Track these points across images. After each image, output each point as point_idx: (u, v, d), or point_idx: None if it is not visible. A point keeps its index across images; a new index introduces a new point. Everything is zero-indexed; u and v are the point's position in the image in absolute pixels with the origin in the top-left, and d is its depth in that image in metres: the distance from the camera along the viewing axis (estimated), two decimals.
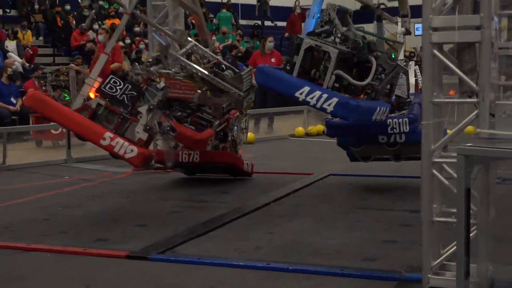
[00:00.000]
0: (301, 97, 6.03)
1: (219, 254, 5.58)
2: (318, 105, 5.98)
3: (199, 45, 8.41)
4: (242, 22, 26.36)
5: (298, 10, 22.85)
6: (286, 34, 23.70)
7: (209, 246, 5.86)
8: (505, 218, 4.86)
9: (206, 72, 7.87)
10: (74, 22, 21.70)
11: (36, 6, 22.02)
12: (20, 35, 19.72)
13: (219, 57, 8.53)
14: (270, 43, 14.58)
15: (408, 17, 8.46)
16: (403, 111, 7.40)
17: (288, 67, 6.31)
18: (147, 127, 6.94)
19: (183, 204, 7.71)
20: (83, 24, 20.89)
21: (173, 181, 9.34)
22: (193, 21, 14.98)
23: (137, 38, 21.17)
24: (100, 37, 15.49)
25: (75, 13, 22.32)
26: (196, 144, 7.94)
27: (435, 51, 4.35)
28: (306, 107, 15.95)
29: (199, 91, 7.90)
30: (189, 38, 8.54)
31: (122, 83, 7.15)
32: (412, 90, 8.29)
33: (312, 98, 5.96)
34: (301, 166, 10.40)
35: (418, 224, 6.33)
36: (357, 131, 7.57)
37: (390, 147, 7.86)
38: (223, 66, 8.11)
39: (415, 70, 8.25)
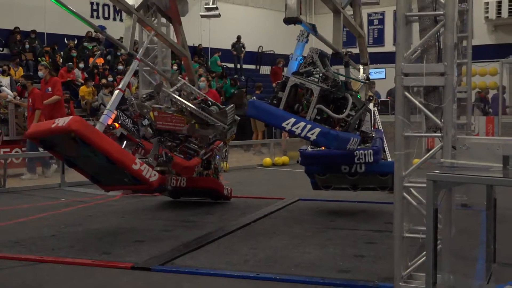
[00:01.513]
0: (288, 127, 6.26)
1: (213, 266, 5.73)
2: (303, 134, 6.22)
3: (188, 83, 8.62)
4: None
5: (280, 64, 23.49)
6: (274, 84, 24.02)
7: (203, 259, 6.00)
8: (462, 237, 5.15)
9: (195, 107, 8.08)
10: (61, 60, 21.70)
11: (27, 46, 21.97)
12: (12, 71, 19.66)
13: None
14: (202, 83, 14.49)
15: (368, 65, 8.86)
16: (367, 144, 7.70)
17: (275, 101, 6.56)
18: (157, 156, 7.17)
19: (173, 223, 7.82)
20: (70, 63, 20.92)
21: (161, 203, 9.45)
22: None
23: (119, 76, 21.25)
24: (40, 73, 14.26)
25: (62, 53, 22.32)
26: (185, 171, 8.11)
27: (406, 93, 4.65)
28: (273, 141, 16.35)
29: (188, 124, 8.11)
30: (179, 77, 8.74)
31: (126, 117, 7.35)
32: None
33: (297, 128, 6.20)
34: (272, 192, 10.60)
35: (381, 242, 6.71)
36: (326, 161, 7.83)
37: (351, 176, 8.12)
38: (209, 102, 8.34)
39: (374, 110, 8.58)
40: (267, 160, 15.22)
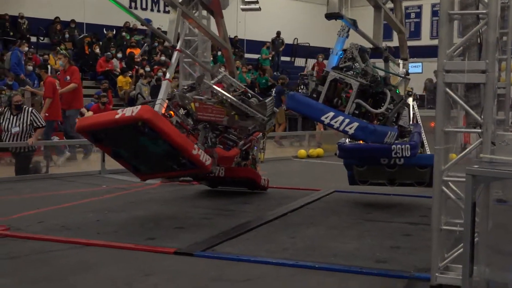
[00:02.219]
0: (326, 121, 6.41)
1: (252, 253, 5.90)
2: (341, 128, 6.36)
3: (228, 76, 8.80)
4: (247, 55, 26.86)
5: (320, 59, 23.56)
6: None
7: (242, 247, 6.19)
8: (498, 232, 5.23)
9: (235, 99, 8.25)
10: (98, 50, 22.10)
11: (67, 35, 22.42)
12: (52, 60, 20.09)
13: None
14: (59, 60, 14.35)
15: (407, 60, 8.94)
16: (405, 139, 7.79)
17: (314, 95, 6.71)
18: (203, 141, 7.50)
19: (212, 211, 8.03)
20: (108, 53, 21.31)
21: (199, 192, 9.68)
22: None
23: (156, 66, 21.58)
24: (60, 62, 14.78)
25: (101, 42, 22.72)
26: (224, 161, 8.27)
27: (448, 89, 4.75)
28: (308, 133, 16.48)
29: (228, 115, 8.29)
30: (220, 70, 8.93)
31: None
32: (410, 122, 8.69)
33: (335, 122, 6.34)
34: (307, 183, 10.71)
35: (416, 234, 6.82)
36: (364, 154, 7.95)
37: (390, 168, 8.23)
38: (249, 94, 8.52)
39: (412, 105, 8.65)
40: (302, 151, 15.35)
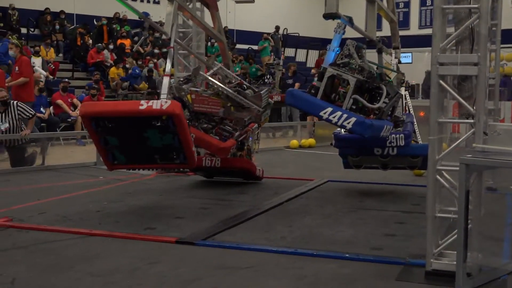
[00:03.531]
0: (325, 116, 6.59)
1: (252, 242, 6.08)
2: (339, 123, 6.54)
3: (224, 68, 8.95)
4: (238, 46, 26.95)
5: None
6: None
7: (242, 236, 6.35)
8: (488, 219, 5.43)
9: (231, 91, 8.41)
10: (90, 41, 22.14)
11: (57, 27, 22.43)
12: (43, 52, 20.14)
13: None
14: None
15: (399, 49, 9.12)
16: (399, 128, 7.99)
17: (312, 91, 6.88)
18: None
19: (209, 201, 8.19)
20: (99, 44, 21.37)
21: (195, 182, 9.84)
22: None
23: (147, 57, 21.66)
24: (11, 52, 14.16)
25: (91, 33, 22.74)
26: (220, 152, 8.42)
27: (441, 81, 4.94)
28: (300, 123, 16.67)
29: (224, 106, 8.45)
30: (215, 62, 9.07)
31: None
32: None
33: (334, 117, 6.52)
34: (301, 173, 10.92)
35: (410, 222, 7.02)
36: (359, 144, 8.14)
37: (383, 158, 8.43)
38: (245, 85, 8.68)
39: (404, 94, 8.84)
40: (294, 142, 15.53)
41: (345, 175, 9.88)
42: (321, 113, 6.57)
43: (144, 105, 6.86)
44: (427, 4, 28.12)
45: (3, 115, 11.02)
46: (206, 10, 9.93)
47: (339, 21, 6.92)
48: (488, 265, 5.12)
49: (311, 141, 15.63)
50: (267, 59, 23.58)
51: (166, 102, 6.85)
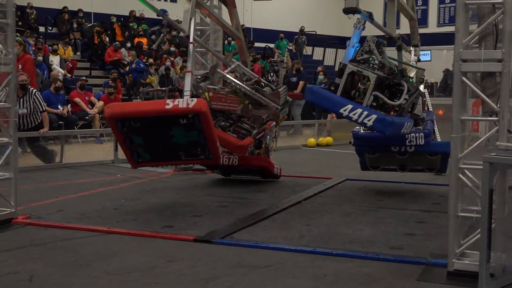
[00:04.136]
0: (345, 113, 6.50)
1: (270, 240, 6.03)
2: (360, 120, 6.46)
3: (241, 65, 8.89)
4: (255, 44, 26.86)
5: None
6: None
7: (260, 234, 6.31)
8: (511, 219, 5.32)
9: (249, 88, 8.35)
10: (107, 39, 22.18)
11: (75, 25, 22.51)
12: (61, 50, 20.20)
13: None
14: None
15: (418, 47, 9.01)
16: (419, 127, 7.88)
17: (332, 88, 6.79)
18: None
19: (227, 199, 8.15)
20: (117, 43, 21.40)
21: (213, 180, 9.80)
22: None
23: (164, 55, 21.65)
24: (15, 50, 14.19)
25: (109, 32, 22.80)
26: (238, 150, 8.36)
27: (464, 78, 4.84)
28: (317, 121, 16.58)
29: (242, 104, 8.39)
30: (233, 59, 9.02)
31: None
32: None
33: (354, 114, 6.43)
34: (318, 171, 10.84)
35: (430, 221, 6.93)
36: (378, 143, 8.05)
37: (400, 155, 8.33)
38: (263, 83, 8.61)
39: (423, 92, 8.73)
40: (312, 140, 15.44)
41: (363, 174, 9.74)
42: (341, 110, 6.49)
43: (170, 104, 6.85)
44: (446, 2, 27.87)
45: (22, 100, 11.06)
46: (223, 8, 9.87)
47: (359, 16, 6.83)
48: (511, 265, 5.03)
49: (329, 139, 15.53)
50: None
51: (192, 100, 6.83)
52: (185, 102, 6.79)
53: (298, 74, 19.52)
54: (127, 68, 20.31)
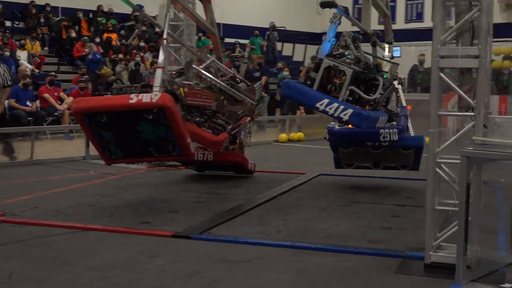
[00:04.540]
0: (321, 108, 6.56)
1: (248, 235, 6.05)
2: (336, 114, 6.52)
3: (216, 61, 8.90)
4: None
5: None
6: None
7: (237, 229, 6.33)
8: (485, 212, 5.45)
9: (224, 84, 8.36)
10: (74, 34, 21.91)
11: (42, 20, 22.18)
12: (29, 45, 19.90)
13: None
14: None
15: (392, 44, 9.13)
16: (393, 122, 7.99)
17: (308, 82, 6.84)
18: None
19: (203, 195, 8.15)
20: (86, 38, 21.16)
21: (187, 176, 9.79)
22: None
23: (134, 51, 21.48)
24: None
25: (77, 27, 22.53)
26: (213, 145, 8.36)
27: (442, 74, 4.93)
28: (288, 117, 16.66)
29: (217, 100, 8.39)
30: (208, 55, 9.01)
31: None
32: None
33: (330, 109, 6.49)
34: (291, 167, 10.90)
35: (405, 215, 7.03)
36: (353, 138, 8.13)
37: (374, 149, 8.43)
38: (238, 79, 8.63)
39: (397, 88, 8.84)
40: (283, 136, 15.51)
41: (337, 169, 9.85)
42: (318, 105, 6.55)
43: (134, 98, 6.87)
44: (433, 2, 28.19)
45: None
46: (197, 3, 9.85)
47: (335, 11, 6.89)
48: (486, 257, 5.15)
49: (300, 135, 15.63)
50: (256, 57, 23.36)
51: (156, 95, 6.84)
52: (149, 96, 6.83)
53: (260, 69, 19.56)
54: (110, 67, 20.09)
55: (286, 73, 18.19)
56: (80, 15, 22.88)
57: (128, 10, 24.02)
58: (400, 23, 27.18)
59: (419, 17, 28.09)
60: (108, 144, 7.44)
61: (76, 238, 5.96)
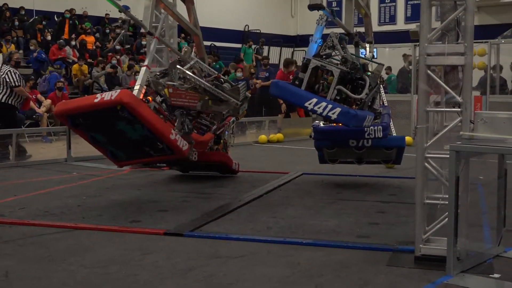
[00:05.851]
0: (310, 107, 6.67)
1: (239, 232, 6.14)
2: (324, 113, 6.63)
3: (200, 61, 8.95)
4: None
5: None
6: None
7: (228, 227, 6.40)
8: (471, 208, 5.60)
9: (209, 84, 8.41)
10: (50, 37, 21.79)
11: (16, 23, 22.01)
12: (3, 48, 19.74)
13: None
14: None
15: (373, 44, 9.29)
16: (377, 120, 8.14)
17: (297, 82, 6.96)
18: (180, 127, 7.64)
19: (189, 195, 8.21)
20: (61, 41, 21.05)
21: (171, 177, 9.82)
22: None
23: (110, 53, 21.44)
24: None
25: (52, 30, 22.39)
26: (199, 145, 8.42)
27: (429, 72, 5.07)
28: (268, 118, 16.77)
29: (202, 100, 8.44)
30: (192, 55, 9.06)
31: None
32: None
33: (319, 108, 6.61)
34: (273, 167, 10.99)
35: (390, 211, 7.17)
36: (337, 136, 8.27)
37: (358, 150, 8.59)
38: (222, 79, 8.69)
39: (379, 88, 9.01)
40: (263, 137, 15.61)
41: (318, 168, 9.99)
42: (306, 104, 6.66)
43: (98, 97, 7.06)
44: (386, 2, 28.58)
45: None
46: (178, 4, 9.89)
47: (321, 13, 7.01)
48: (474, 249, 5.30)
49: (279, 136, 15.74)
50: (248, 66, 23.35)
51: (116, 92, 6.96)
52: (110, 94, 6.98)
53: (267, 70, 19.54)
54: (87, 71, 20.02)
55: (239, 74, 18.19)
56: (67, 15, 22.74)
57: (102, 13, 24.05)
58: (373, 26, 27.51)
59: (392, 19, 28.51)
60: (107, 146, 7.59)
61: (68, 237, 5.98)
